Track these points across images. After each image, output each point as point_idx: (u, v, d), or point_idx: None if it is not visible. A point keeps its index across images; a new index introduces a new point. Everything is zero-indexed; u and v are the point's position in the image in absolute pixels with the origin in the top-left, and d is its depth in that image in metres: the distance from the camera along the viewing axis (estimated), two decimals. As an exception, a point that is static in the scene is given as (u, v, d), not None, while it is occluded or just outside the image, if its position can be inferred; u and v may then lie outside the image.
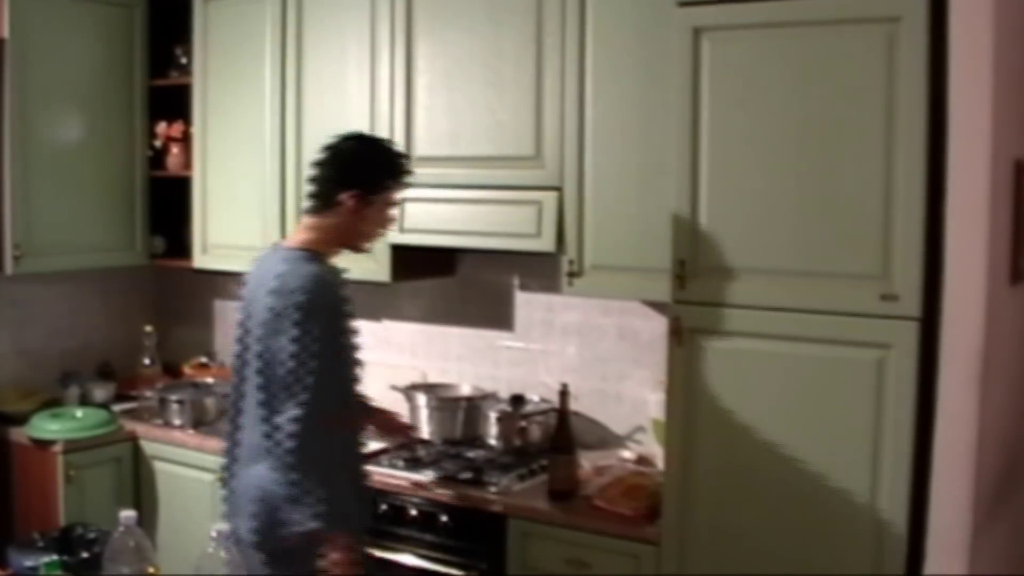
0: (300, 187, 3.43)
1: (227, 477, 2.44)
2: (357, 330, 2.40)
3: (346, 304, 2.34)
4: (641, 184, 2.76)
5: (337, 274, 2.41)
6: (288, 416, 2.20)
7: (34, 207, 3.54)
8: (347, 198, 2.34)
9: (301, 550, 2.25)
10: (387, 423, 2.84)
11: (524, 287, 3.39)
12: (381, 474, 2.91)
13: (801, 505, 2.35)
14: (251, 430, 2.32)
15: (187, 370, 3.95)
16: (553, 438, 2.79)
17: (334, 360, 2.25)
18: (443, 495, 2.82)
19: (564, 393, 2.78)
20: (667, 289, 2.51)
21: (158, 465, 3.50)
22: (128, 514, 1.94)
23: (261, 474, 2.28)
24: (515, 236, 2.70)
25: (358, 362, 2.41)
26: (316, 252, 2.35)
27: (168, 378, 3.87)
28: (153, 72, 3.87)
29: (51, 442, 3.38)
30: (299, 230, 2.45)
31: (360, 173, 2.37)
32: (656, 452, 2.99)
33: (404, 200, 3.12)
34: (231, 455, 2.42)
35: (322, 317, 2.23)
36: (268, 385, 2.27)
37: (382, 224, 2.44)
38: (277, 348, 2.23)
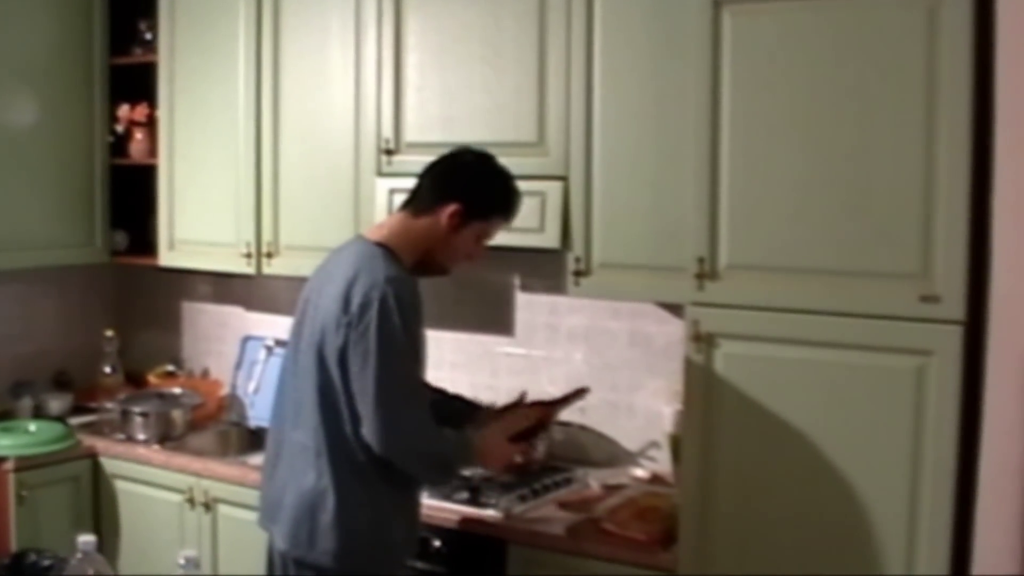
0: (277, 176, 3.44)
1: (265, 477, 2.53)
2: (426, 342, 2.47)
3: (421, 309, 2.42)
4: (656, 173, 2.76)
5: (413, 278, 2.46)
6: (387, 426, 2.30)
7: (-18, 199, 3.54)
8: (448, 209, 2.43)
9: (330, 570, 2.36)
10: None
11: (525, 287, 3.39)
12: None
13: (833, 528, 2.34)
14: (300, 431, 2.41)
15: (152, 379, 3.95)
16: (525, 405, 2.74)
17: (415, 363, 2.36)
18: (435, 518, 2.82)
19: (577, 392, 2.77)
20: (685, 289, 2.51)
21: (120, 485, 3.49)
22: (87, 539, 1.94)
23: (305, 482, 2.38)
24: (515, 231, 2.69)
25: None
26: (395, 252, 2.42)
27: (131, 388, 3.87)
28: (114, 49, 3.87)
29: (1, 459, 3.38)
30: (385, 224, 2.55)
31: (472, 191, 2.46)
32: (671, 470, 2.99)
33: (393, 191, 3.12)
34: (274, 453, 2.50)
35: (405, 315, 2.31)
36: (327, 385, 2.36)
37: (469, 252, 2.51)
38: (349, 347, 2.31)
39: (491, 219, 2.49)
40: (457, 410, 2.74)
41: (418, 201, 2.49)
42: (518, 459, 2.74)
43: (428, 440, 2.38)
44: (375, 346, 2.29)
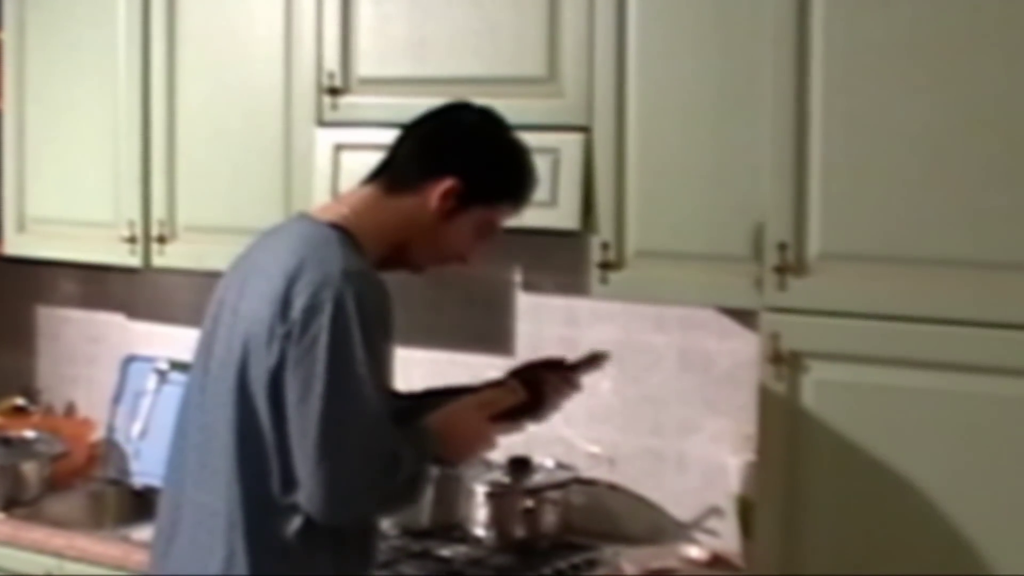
0: (173, 128, 3.44)
1: (156, 556, 2.52)
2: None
3: (391, 318, 2.41)
4: (717, 123, 2.77)
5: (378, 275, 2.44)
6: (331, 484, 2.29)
7: None
8: (441, 186, 2.42)
9: None
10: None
11: (530, 286, 3.41)
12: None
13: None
14: (207, 491, 2.40)
15: (-6, 418, 3.96)
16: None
17: (379, 394, 2.33)
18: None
19: (592, 359, 2.73)
20: (758, 290, 2.53)
21: (-51, 569, 3.51)
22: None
23: (212, 564, 2.36)
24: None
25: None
26: (356, 238, 2.41)
27: (-36, 431, 3.88)
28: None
29: None
30: (344, 199, 2.55)
31: (475, 163, 2.46)
32: (740, 548, 3.02)
33: (341, 148, 3.12)
34: (170, 523, 2.49)
35: (368, 325, 2.31)
36: (250, 424, 2.35)
37: (462, 248, 2.51)
38: (287, 368, 2.31)
39: (498, 204, 2.49)
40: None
41: (395, 172, 2.48)
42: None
43: (390, 495, 2.38)
44: (324, 368, 2.28)
